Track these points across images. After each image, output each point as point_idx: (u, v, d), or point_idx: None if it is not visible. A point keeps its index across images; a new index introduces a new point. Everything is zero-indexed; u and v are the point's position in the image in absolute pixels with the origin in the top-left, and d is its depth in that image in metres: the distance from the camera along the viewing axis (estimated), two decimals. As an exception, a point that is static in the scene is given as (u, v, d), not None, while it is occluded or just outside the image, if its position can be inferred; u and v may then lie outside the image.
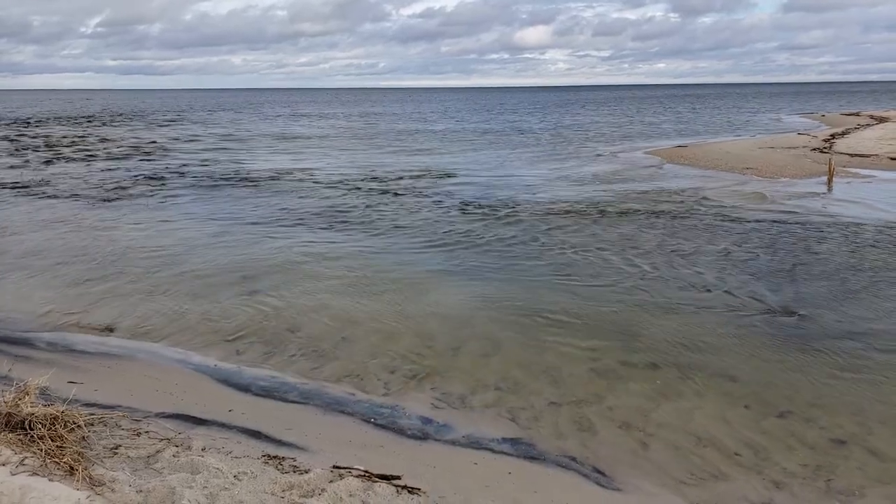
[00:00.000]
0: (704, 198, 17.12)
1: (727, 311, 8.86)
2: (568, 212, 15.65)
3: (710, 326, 8.38)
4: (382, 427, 6.03)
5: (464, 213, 15.62)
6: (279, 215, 15.66)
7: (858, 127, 37.54)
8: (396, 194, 18.45)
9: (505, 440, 5.82)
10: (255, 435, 5.74)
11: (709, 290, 9.73)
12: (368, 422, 6.13)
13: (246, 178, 21.81)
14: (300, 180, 21.27)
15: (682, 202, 16.58)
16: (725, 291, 9.65)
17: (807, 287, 9.85)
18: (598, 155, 28.14)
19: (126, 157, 28.58)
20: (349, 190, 19.28)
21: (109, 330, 8.44)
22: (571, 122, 52.82)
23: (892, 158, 23.41)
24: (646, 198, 17.30)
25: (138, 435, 5.33)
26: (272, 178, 21.75)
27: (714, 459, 5.50)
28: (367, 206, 16.62)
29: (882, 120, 42.66)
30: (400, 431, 5.96)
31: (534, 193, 18.40)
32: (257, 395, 6.69)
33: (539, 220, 14.82)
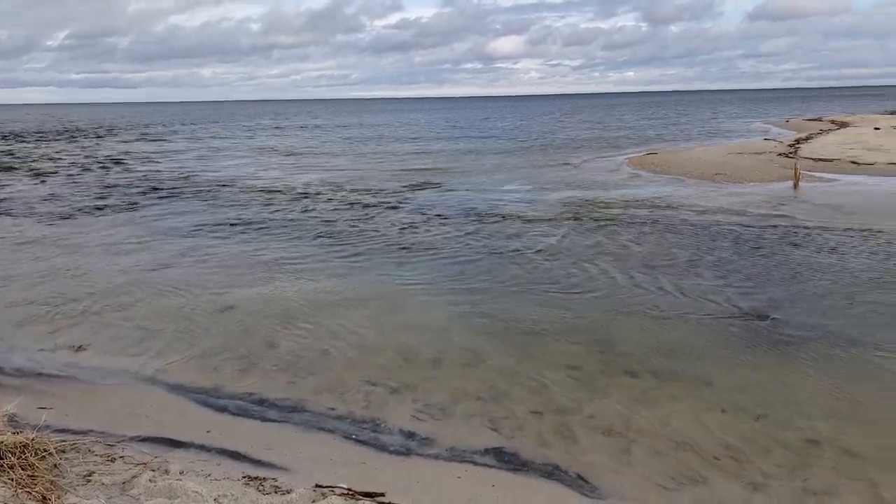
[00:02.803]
0: (677, 204, 17.39)
1: (702, 317, 8.99)
2: (544, 221, 15.77)
3: (685, 332, 8.49)
4: (364, 443, 5.99)
5: (441, 224, 15.65)
6: (254, 229, 15.52)
7: (821, 132, 38.48)
8: (374, 206, 18.42)
9: (488, 451, 5.81)
10: (235, 456, 5.65)
11: (683, 296, 9.86)
12: (350, 438, 6.08)
13: (219, 192, 21.58)
14: (276, 192, 21.11)
15: (654, 209, 16.81)
16: (699, 297, 9.78)
17: (778, 290, 10.03)
18: (572, 163, 28.42)
19: (87, 170, 28.10)
20: (327, 202, 19.19)
21: (79, 352, 8.25)
22: (545, 130, 53.31)
23: (854, 162, 24.03)
24: (619, 205, 17.51)
25: (112, 460, 5.22)
26: (247, 192, 21.56)
27: (694, 463, 5.55)
28: (349, 218, 16.55)
29: (843, 125, 43.78)
30: (382, 447, 5.92)
31: (511, 203, 18.51)
32: (236, 414, 6.59)
33: (515, 229, 14.90)
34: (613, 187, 20.96)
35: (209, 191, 22.24)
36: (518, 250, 12.90)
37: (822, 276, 10.60)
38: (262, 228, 15.67)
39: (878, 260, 11.42)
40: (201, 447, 5.80)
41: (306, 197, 20.43)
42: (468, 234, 14.56)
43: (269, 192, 21.72)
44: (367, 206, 18.57)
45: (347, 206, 18.49)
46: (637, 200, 18.16)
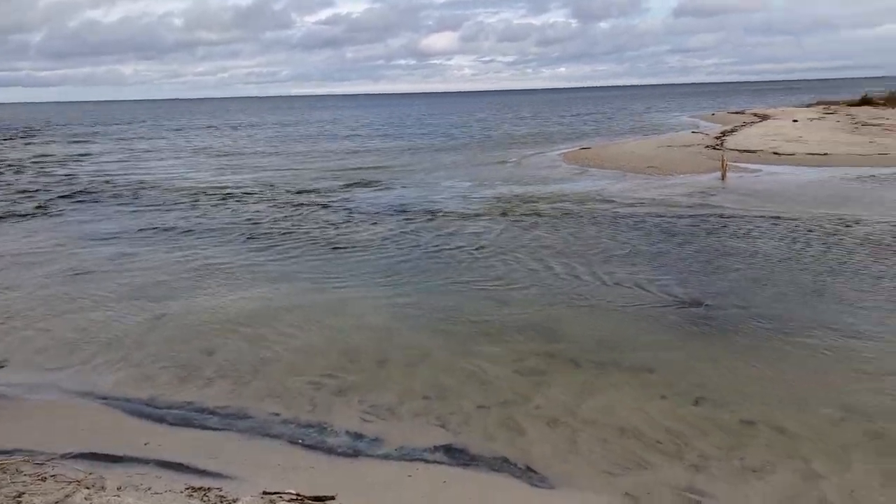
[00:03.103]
0: (612, 197, 17.82)
1: (640, 306, 9.24)
2: (482, 217, 15.88)
3: (625, 322, 8.70)
4: (311, 447, 5.88)
5: (379, 223, 15.54)
6: (181, 233, 15.02)
7: (745, 124, 40.16)
8: (308, 206, 18.13)
9: (438, 448, 5.80)
10: (176, 467, 5.45)
11: (621, 287, 10.11)
12: (296, 443, 5.96)
13: (146, 195, 20.78)
14: (206, 193, 20.48)
15: (590, 203, 17.17)
16: (637, 287, 10.05)
17: (710, 278, 10.42)
18: (509, 159, 28.73)
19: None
20: (259, 203, 18.76)
21: (0, 366, 7.79)
22: (481, 127, 53.70)
23: (775, 153, 25.20)
24: (556, 200, 17.81)
25: (43, 479, 4.95)
26: (175, 193, 20.83)
27: (638, 449, 5.70)
28: (282, 219, 16.22)
29: (764, 117, 45.85)
30: (330, 450, 5.83)
31: (448, 200, 18.55)
32: (175, 424, 6.36)
33: (455, 225, 14.95)
34: (550, 182, 21.31)
35: (135, 194, 21.40)
36: (460, 247, 12.95)
37: (750, 263, 11.07)
38: (189, 232, 15.18)
39: (801, 245, 12.00)
40: (139, 460, 5.57)
41: (237, 198, 19.92)
42: (406, 231, 14.52)
43: (199, 193, 21.07)
44: (300, 205, 18.26)
45: (281, 207, 18.13)
46: (573, 194, 18.52)
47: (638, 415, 6.26)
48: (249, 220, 16.38)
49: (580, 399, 6.61)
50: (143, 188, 22.63)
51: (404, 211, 16.93)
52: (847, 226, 13.37)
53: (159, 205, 19.06)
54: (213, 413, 6.54)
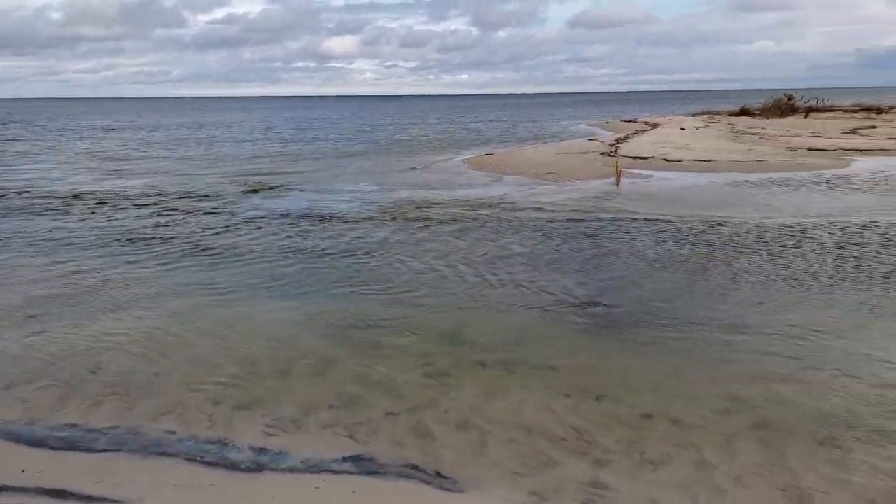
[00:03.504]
0: (513, 202, 18.21)
1: (542, 307, 9.46)
2: (386, 221, 15.79)
3: (529, 322, 8.89)
4: (211, 464, 5.58)
5: (281, 229, 15.12)
6: (54, 240, 13.96)
7: (637, 132, 42.29)
8: (199, 212, 17.37)
9: (345, 459, 5.67)
10: (59, 494, 5.03)
11: (524, 289, 10.32)
12: (195, 461, 5.64)
13: (15, 201, 19.20)
14: (88, 199, 19.18)
15: (493, 207, 17.47)
16: (539, 289, 10.29)
17: (607, 278, 10.84)
18: (413, 164, 28.78)
19: None
20: (146, 208, 17.78)
21: None
22: (385, 131, 53.54)
23: (665, 159, 26.67)
24: (460, 205, 18.00)
25: None
26: (54, 198, 19.36)
27: (544, 448, 5.80)
28: (164, 225, 15.43)
29: (655, 126, 48.48)
30: (232, 466, 5.56)
31: (353, 204, 18.33)
32: (56, 448, 5.86)
33: (359, 231, 14.78)
34: (454, 187, 21.51)
35: (2, 201, 19.73)
36: (366, 253, 12.80)
37: (645, 263, 11.61)
38: (62, 241, 14.14)
39: (695, 244, 12.72)
40: (15, 489, 5.10)
41: (117, 205, 18.79)
42: (314, 237, 14.20)
43: (73, 199, 19.72)
44: (189, 212, 17.46)
45: (167, 214, 17.27)
46: (477, 199, 18.78)
47: (544, 413, 6.39)
48: (142, 227, 15.48)
49: (488, 400, 6.67)
50: (14, 193, 20.90)
51: (310, 216, 16.56)
52: (714, 225, 14.32)
53: (32, 210, 17.66)
54: (100, 434, 6.08)
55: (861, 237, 13.19)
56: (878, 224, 14.38)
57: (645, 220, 15.32)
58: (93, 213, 17.47)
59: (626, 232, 14.14)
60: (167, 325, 8.87)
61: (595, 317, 9.07)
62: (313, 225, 15.48)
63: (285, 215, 16.74)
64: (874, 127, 42.55)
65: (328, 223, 15.64)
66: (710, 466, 5.48)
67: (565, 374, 7.26)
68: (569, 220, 15.42)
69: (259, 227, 15.16)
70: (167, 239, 14.09)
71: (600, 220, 15.47)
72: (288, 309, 9.51)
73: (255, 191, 21.24)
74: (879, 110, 57.75)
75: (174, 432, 6.11)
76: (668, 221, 15.05)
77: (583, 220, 15.42)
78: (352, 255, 12.54)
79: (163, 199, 19.67)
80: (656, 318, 8.93)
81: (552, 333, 8.49)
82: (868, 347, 7.83)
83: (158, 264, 12.08)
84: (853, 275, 10.63)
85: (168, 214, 17.04)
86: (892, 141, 33.28)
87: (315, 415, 6.42)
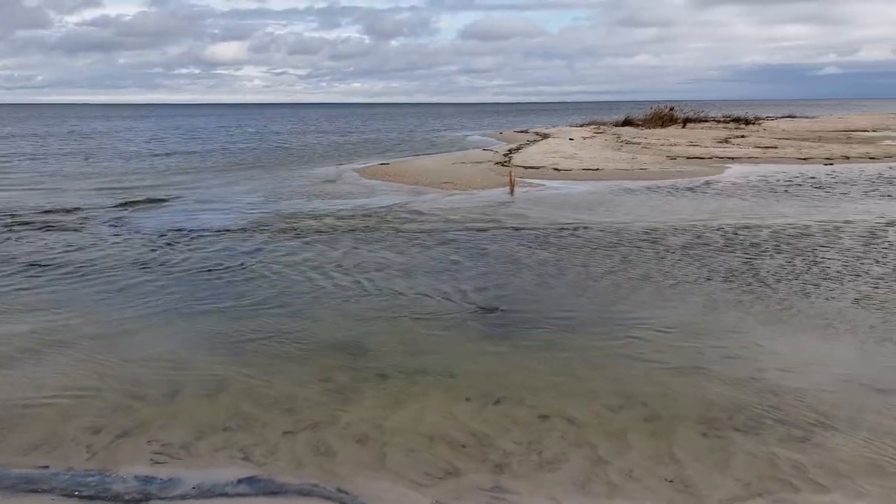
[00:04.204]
0: (410, 211, 18.26)
1: (440, 315, 9.52)
2: (278, 233, 15.38)
3: (427, 330, 8.91)
4: (91, 497, 5.17)
5: (163, 245, 14.33)
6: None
7: (528, 143, 43.62)
8: (76, 230, 16.21)
9: (241, 481, 5.42)
10: None
11: (422, 297, 10.35)
12: (72, 496, 5.20)
13: None
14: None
15: (390, 217, 17.44)
16: (438, 297, 10.36)
17: (504, 283, 11.07)
18: (305, 174, 28.24)
19: None
20: (12, 225, 16.38)
21: None
22: (276, 140, 52.21)
23: (556, 169, 27.68)
24: (355, 215, 17.83)
25: None
26: None
27: (446, 455, 5.81)
28: (36, 244, 14.28)
29: (545, 136, 50.23)
30: (115, 498, 5.17)
31: (240, 216, 17.71)
32: None
33: (248, 244, 14.29)
34: (349, 197, 21.30)
35: None
36: (255, 268, 12.38)
37: (541, 268, 11.96)
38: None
39: (574, 249, 13.24)
40: None
41: (-4, 220, 17.23)
42: (198, 251, 13.58)
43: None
44: (45, 228, 16.26)
45: (17, 230, 16.00)
46: (373, 209, 18.69)
47: (445, 420, 6.41)
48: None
49: (390, 411, 6.61)
50: None
51: (193, 230, 15.82)
52: (604, 230, 15.06)
53: None
54: (-41, 475, 5.49)
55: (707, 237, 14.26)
56: (727, 226, 15.56)
57: (538, 227, 15.81)
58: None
59: (521, 239, 14.53)
60: (40, 353, 8.15)
61: (493, 322, 9.22)
62: (191, 238, 14.80)
63: (174, 231, 15.91)
64: (743, 136, 46.28)
65: (208, 236, 15.02)
66: (604, 462, 5.68)
67: (465, 379, 7.32)
68: (465, 229, 15.64)
69: (163, 243, 14.30)
70: (34, 260, 13.00)
71: (495, 227, 15.81)
72: (181, 329, 9.01)
73: (130, 205, 19.95)
74: (747, 121, 63.02)
75: (47, 467, 5.62)
76: (561, 228, 15.61)
77: (478, 229, 15.69)
78: (234, 270, 12.09)
79: (15, 216, 18.06)
80: (555, 320, 9.21)
81: (452, 340, 8.55)
82: (714, 340, 8.42)
83: (34, 288, 11.12)
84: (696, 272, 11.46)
85: (17, 231, 15.72)
86: (759, 149, 36.32)
87: (207, 438, 6.11)
